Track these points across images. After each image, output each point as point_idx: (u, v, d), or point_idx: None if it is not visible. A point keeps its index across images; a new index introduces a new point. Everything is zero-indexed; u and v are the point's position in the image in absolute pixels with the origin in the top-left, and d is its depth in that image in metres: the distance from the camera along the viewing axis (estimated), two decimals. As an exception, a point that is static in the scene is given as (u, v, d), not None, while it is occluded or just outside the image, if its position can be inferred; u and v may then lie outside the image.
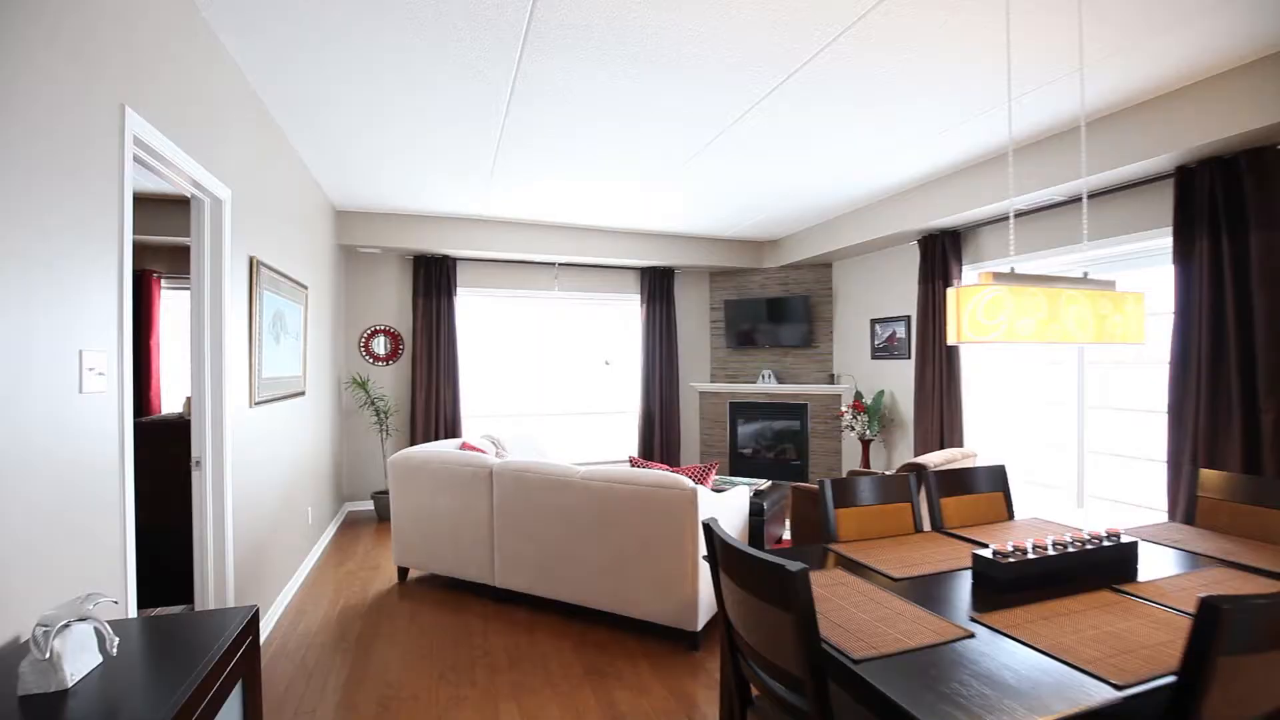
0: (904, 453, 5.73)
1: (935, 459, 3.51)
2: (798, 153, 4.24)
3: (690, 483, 3.03)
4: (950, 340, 1.81)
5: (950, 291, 1.82)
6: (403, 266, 6.15)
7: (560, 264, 6.63)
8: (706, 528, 1.65)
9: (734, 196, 5.21)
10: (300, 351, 4.09)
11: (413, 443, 5.97)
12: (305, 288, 4.19)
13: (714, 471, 3.36)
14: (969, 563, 2.00)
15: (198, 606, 2.69)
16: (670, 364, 6.94)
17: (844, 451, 6.54)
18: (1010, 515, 2.60)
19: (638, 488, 3.11)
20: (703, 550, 3.04)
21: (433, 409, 5.99)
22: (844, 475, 6.37)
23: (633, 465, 3.50)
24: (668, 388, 6.92)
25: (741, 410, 7.05)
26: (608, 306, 6.99)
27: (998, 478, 2.63)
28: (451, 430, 6.07)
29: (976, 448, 5.07)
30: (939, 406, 5.10)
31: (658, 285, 6.90)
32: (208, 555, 2.70)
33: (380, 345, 6.08)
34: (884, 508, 2.39)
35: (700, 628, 3.04)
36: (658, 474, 3.09)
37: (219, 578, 2.74)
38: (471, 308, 6.43)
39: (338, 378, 5.61)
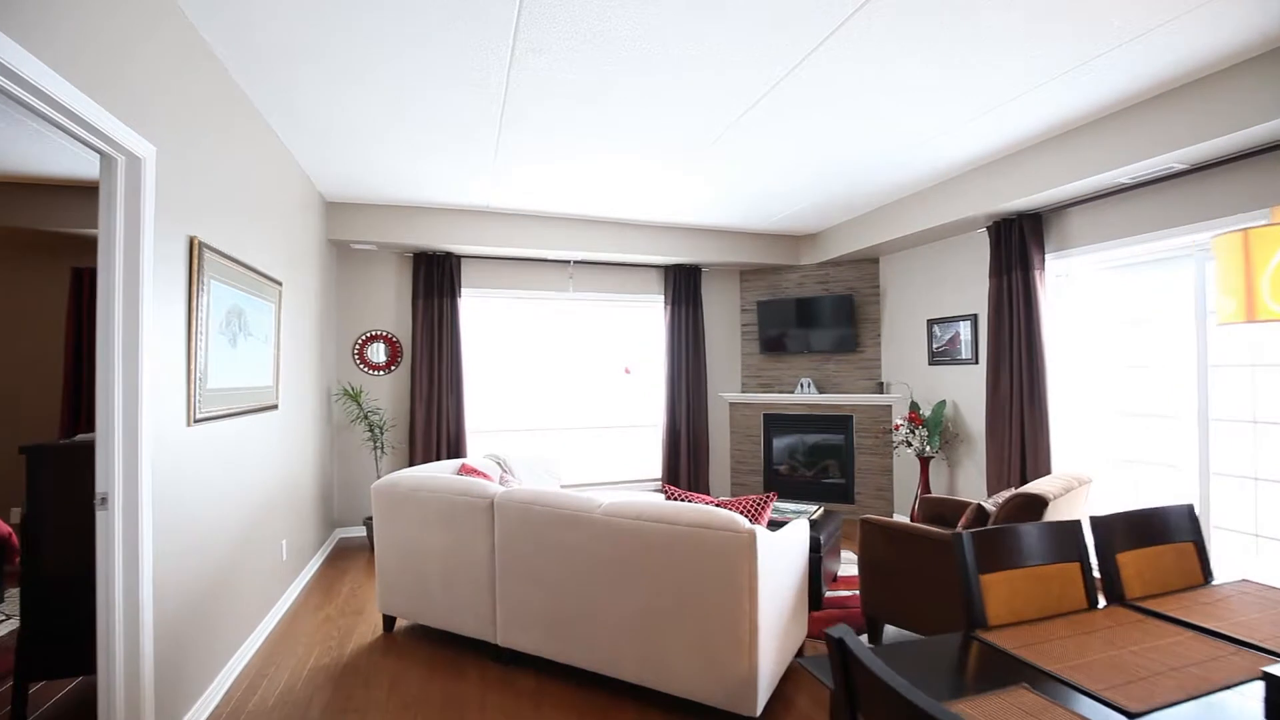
0: (971, 473, 4.98)
1: (1051, 487, 2.78)
2: (848, 123, 3.56)
3: (745, 522, 2.33)
4: (1226, 318, 1.10)
5: (1227, 240, 1.11)
6: (401, 265, 5.55)
7: (575, 261, 5.99)
8: (838, 642, 0.96)
9: (770, 180, 4.54)
10: (271, 358, 3.46)
11: (411, 461, 5.33)
12: (279, 284, 3.57)
13: (771, 506, 2.67)
14: (1234, 674, 1.28)
15: (102, 680, 2.05)
16: (698, 372, 6.25)
17: (896, 470, 5.79)
18: (1206, 576, 1.87)
19: (676, 527, 2.42)
20: (765, 613, 2.34)
21: (434, 423, 5.35)
22: (892, 497, 5.62)
23: (667, 496, 2.82)
24: (695, 399, 6.23)
25: (777, 423, 6.33)
26: (628, 309, 6.33)
27: (1186, 522, 1.90)
28: (454, 447, 5.42)
29: (1065, 468, 4.30)
30: (1018, 419, 4.35)
31: (683, 285, 6.23)
32: (115, 616, 2.06)
33: (376, 352, 5.47)
34: (1042, 570, 1.68)
35: (759, 712, 2.33)
36: (703, 510, 2.40)
37: (131, 644, 2.09)
38: (477, 311, 5.81)
39: (327, 389, 5.00)
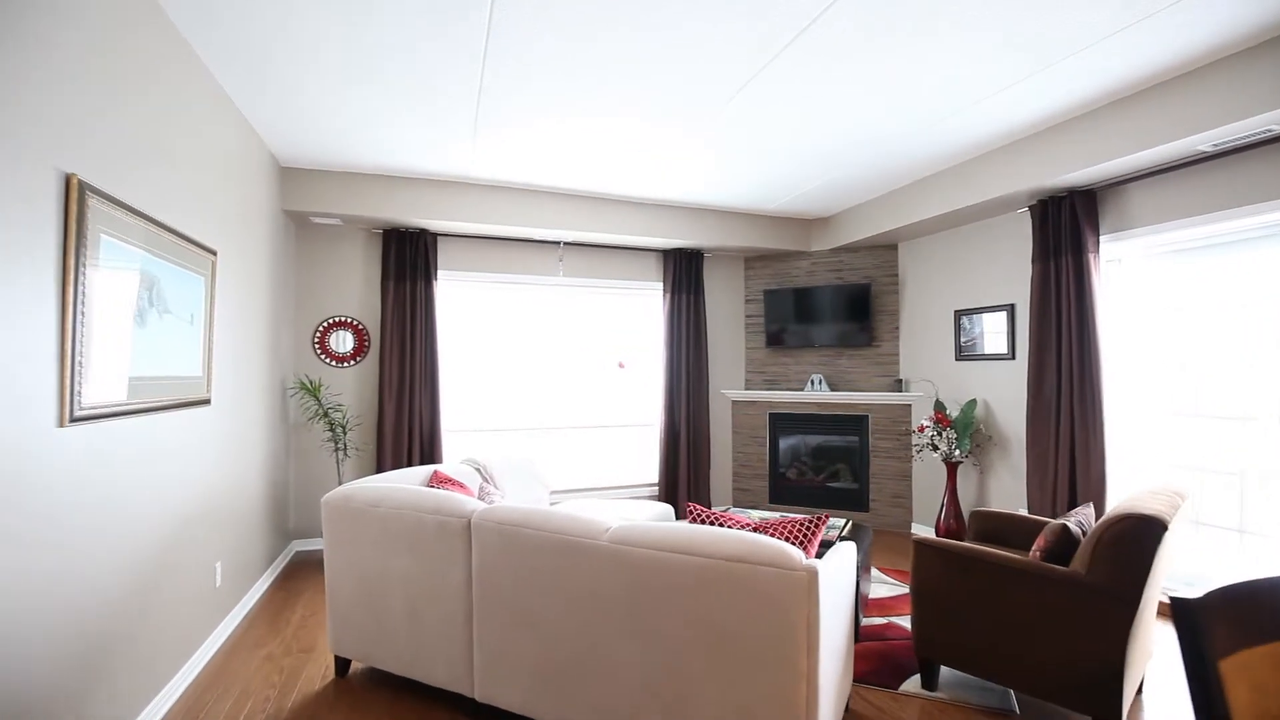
0: (1005, 480, 4.50)
1: (1157, 504, 2.27)
2: (879, 83, 3.04)
3: (799, 555, 1.79)
4: None
5: None
6: (369, 243, 4.92)
7: (566, 243, 5.41)
8: None
9: (784, 153, 4.00)
10: (199, 342, 2.84)
11: (378, 465, 4.71)
12: (212, 253, 2.95)
13: (823, 529, 2.12)
14: None
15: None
16: (699, 367, 5.71)
17: (915, 475, 5.30)
18: None
19: (710, 561, 1.86)
20: (825, 671, 1.80)
21: (405, 422, 4.74)
22: (911, 505, 5.13)
23: (690, 517, 2.25)
24: (696, 396, 5.68)
25: (784, 423, 5.81)
26: (623, 297, 5.76)
27: None
28: (428, 449, 4.81)
29: (1123, 477, 3.83)
30: (1067, 420, 3.87)
31: (684, 271, 5.68)
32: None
33: (340, 341, 4.84)
34: (1287, 648, 1.14)
35: (818, 802, 1.79)
36: (744, 540, 1.86)
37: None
38: (455, 296, 5.20)
39: (281, 381, 4.37)
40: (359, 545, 2.57)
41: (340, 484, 4.40)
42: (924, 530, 5.17)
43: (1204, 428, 3.56)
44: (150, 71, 2.35)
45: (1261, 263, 3.33)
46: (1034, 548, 2.59)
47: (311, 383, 4.49)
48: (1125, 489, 3.81)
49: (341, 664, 2.77)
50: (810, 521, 2.11)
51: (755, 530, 2.12)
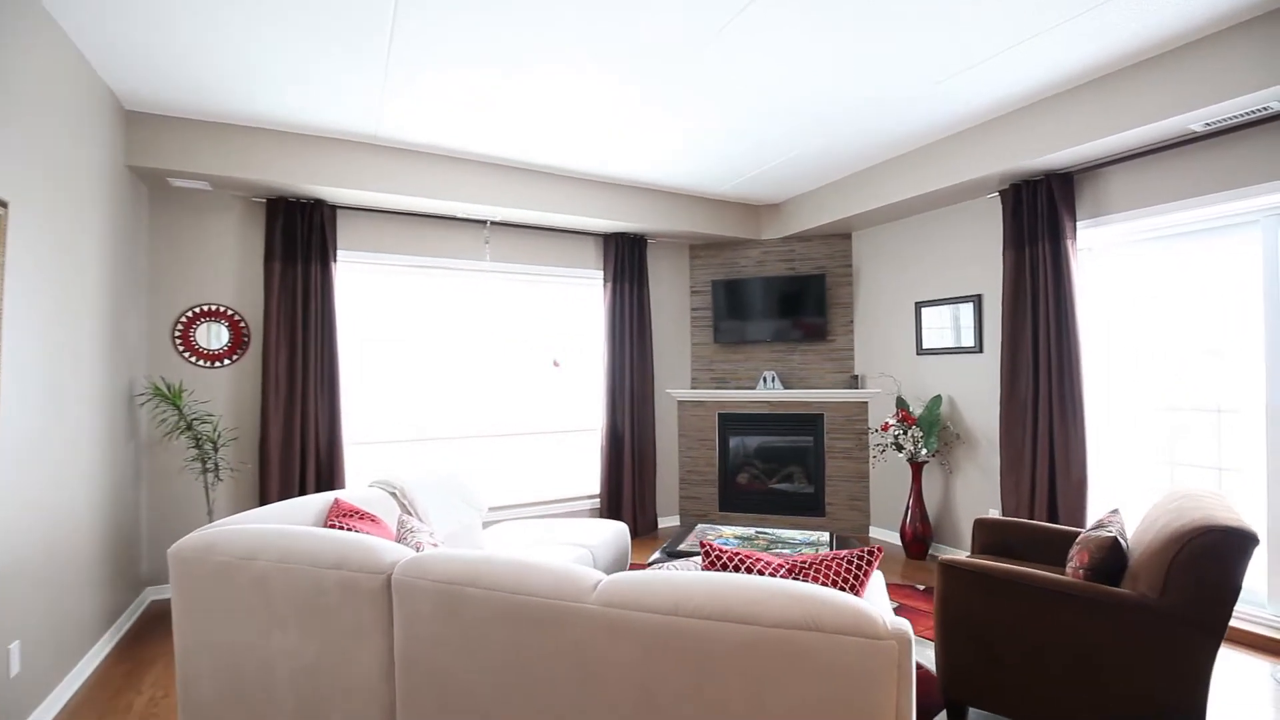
0: (974, 480, 4.27)
1: (1219, 511, 1.96)
2: (846, 54, 2.64)
3: (883, 616, 1.28)
4: None
5: None
6: (249, 215, 4.00)
7: (493, 222, 4.70)
8: None
9: (745, 123, 3.54)
10: (-25, 330, 1.96)
11: (262, 487, 3.81)
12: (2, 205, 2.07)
13: (877, 563, 1.63)
14: None
15: None
16: (643, 365, 5.17)
17: (874, 477, 5.03)
18: None
19: (757, 630, 1.32)
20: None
21: (296, 434, 3.87)
22: (868, 508, 4.85)
23: (707, 560, 1.69)
24: (640, 397, 5.14)
25: (735, 425, 5.39)
26: (559, 286, 5.12)
27: None
28: (327, 468, 3.97)
29: (1103, 476, 3.66)
30: (1045, 417, 3.66)
31: (626, 258, 5.12)
32: None
33: (210, 335, 3.89)
34: None
35: None
36: (800, 596, 1.32)
37: None
38: (360, 282, 4.37)
39: (127, 385, 3.40)
40: (226, 616, 1.82)
41: (211, 515, 3.50)
42: (884, 534, 4.90)
43: (1185, 421, 3.43)
44: None
45: (1236, 251, 3.22)
46: (1072, 564, 2.25)
47: (170, 387, 3.54)
48: (1109, 489, 3.65)
49: (201, 779, 1.99)
50: (857, 558, 1.61)
51: (794, 574, 1.60)
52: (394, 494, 2.78)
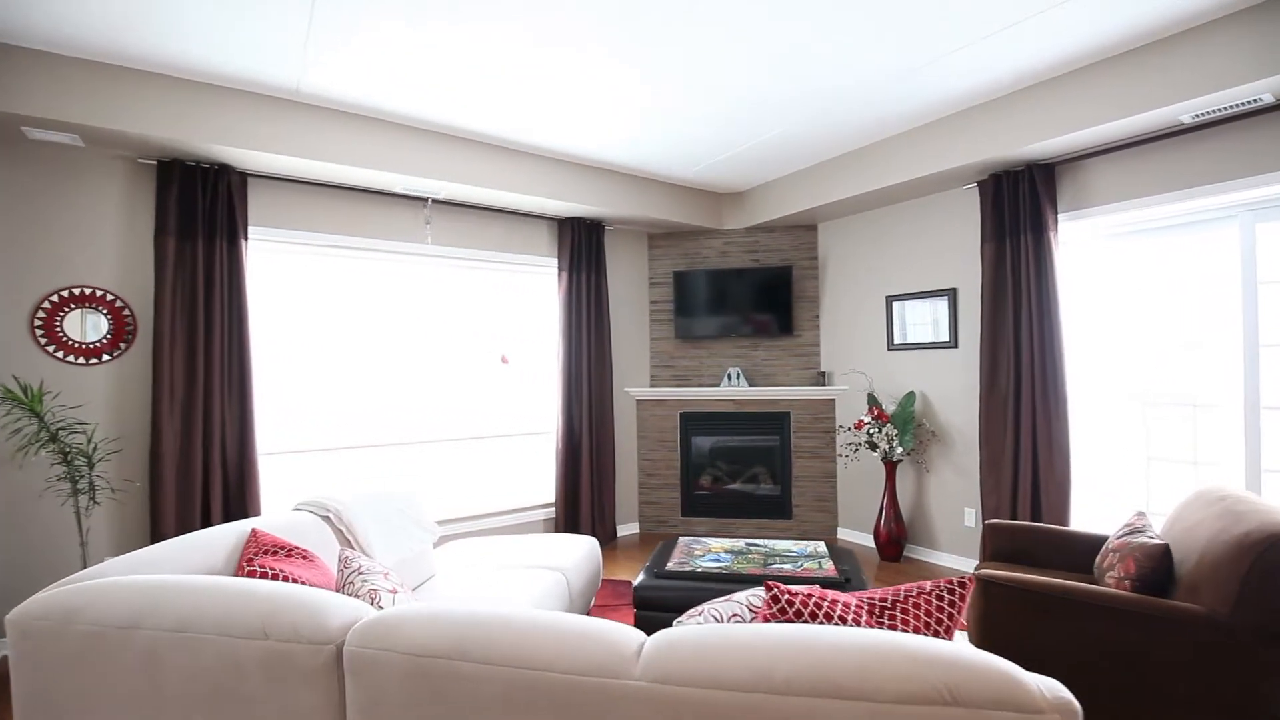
0: (949, 478, 4.15)
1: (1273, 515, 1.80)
2: (832, 34, 2.41)
3: (1032, 681, 0.97)
4: None
5: None
6: (135, 179, 3.30)
7: (435, 200, 4.17)
8: None
9: (717, 97, 3.22)
10: None
11: (154, 513, 3.15)
12: None
13: (969, 594, 1.33)
14: None
15: None
16: (601, 361, 4.78)
17: (842, 478, 4.86)
18: None
19: (868, 709, 0.97)
20: None
21: (198, 445, 3.22)
22: (836, 509, 4.68)
23: (769, 609, 1.32)
24: (599, 396, 4.75)
25: (698, 424, 5.09)
26: (509, 274, 4.64)
27: None
28: (237, 486, 3.34)
29: (1083, 472, 3.60)
30: (1028, 414, 3.56)
31: (583, 246, 4.71)
32: None
33: (83, 325, 3.18)
34: None
35: None
36: (925, 658, 0.99)
37: None
38: (277, 265, 3.74)
39: (-36, 389, 2.68)
40: (94, 712, 1.30)
41: (84, 550, 2.82)
42: (854, 536, 4.74)
43: (1162, 415, 3.40)
44: None
45: (1214, 245, 3.21)
46: (1113, 574, 2.06)
47: (27, 389, 2.83)
48: (1088, 485, 3.58)
49: None
50: (947, 591, 1.31)
51: (874, 615, 1.27)
52: (328, 517, 2.26)
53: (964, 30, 2.76)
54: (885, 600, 1.33)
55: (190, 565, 1.63)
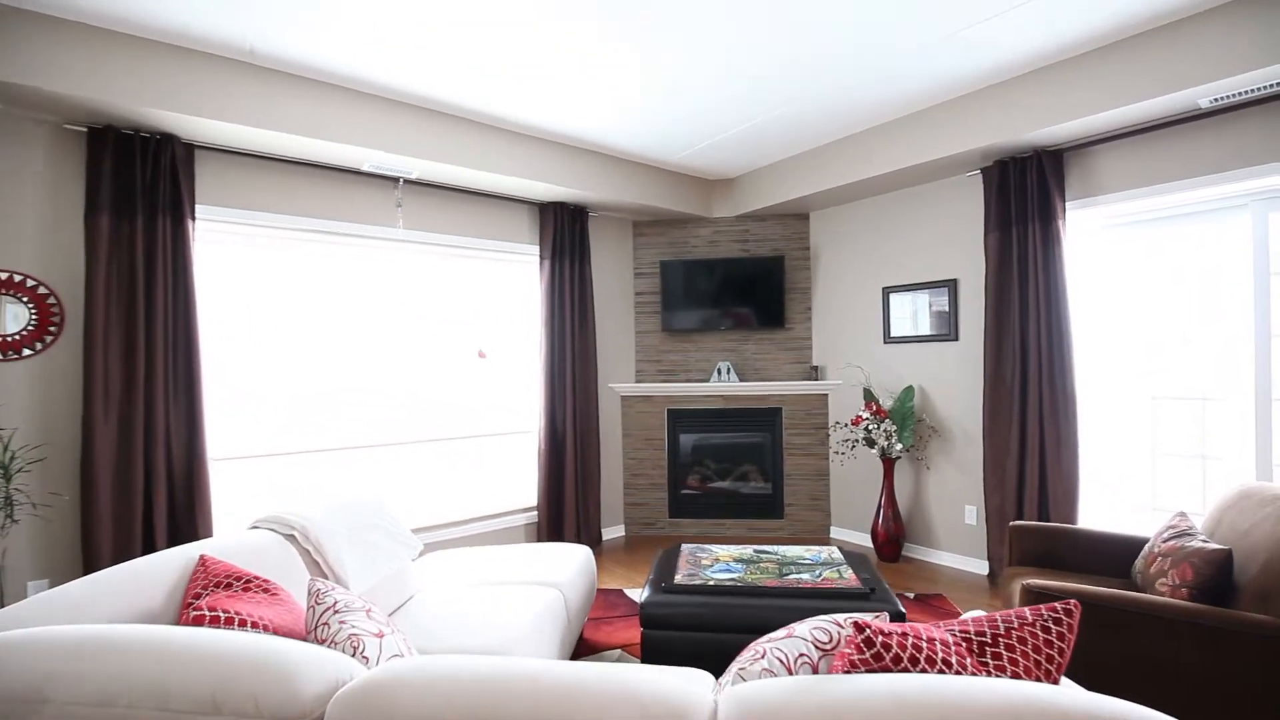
0: (949, 475, 4.03)
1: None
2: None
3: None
4: None
5: None
6: (61, 148, 2.89)
7: (408, 181, 3.84)
8: None
9: (710, 76, 2.99)
10: None
11: (87, 532, 2.76)
12: None
13: (1074, 628, 1.14)
14: None
15: None
16: (586, 356, 4.52)
17: (835, 475, 4.70)
18: None
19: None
20: None
21: (138, 451, 2.85)
22: (829, 508, 4.54)
23: (875, 653, 1.10)
24: (583, 393, 4.49)
25: (686, 421, 4.87)
26: (488, 263, 4.33)
27: None
28: (185, 496, 2.98)
29: (1089, 468, 3.50)
30: (1035, 408, 3.44)
31: (566, 232, 4.43)
32: None
33: (0, 315, 2.77)
34: None
35: None
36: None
37: None
38: (230, 249, 3.36)
39: None
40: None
41: (0, 577, 2.44)
42: (848, 535, 4.59)
43: (1168, 409, 3.32)
44: None
45: (1224, 235, 3.12)
46: (1166, 581, 1.90)
47: (-72, 390, 2.43)
48: (1095, 483, 3.48)
49: None
50: (1053, 622, 1.10)
51: (975, 653, 1.06)
52: (292, 536, 1.96)
53: (979, 5, 2.58)
54: (983, 634, 1.11)
55: (120, 609, 1.32)
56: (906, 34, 2.82)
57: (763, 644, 1.23)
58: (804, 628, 1.24)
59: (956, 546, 3.96)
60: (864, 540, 4.43)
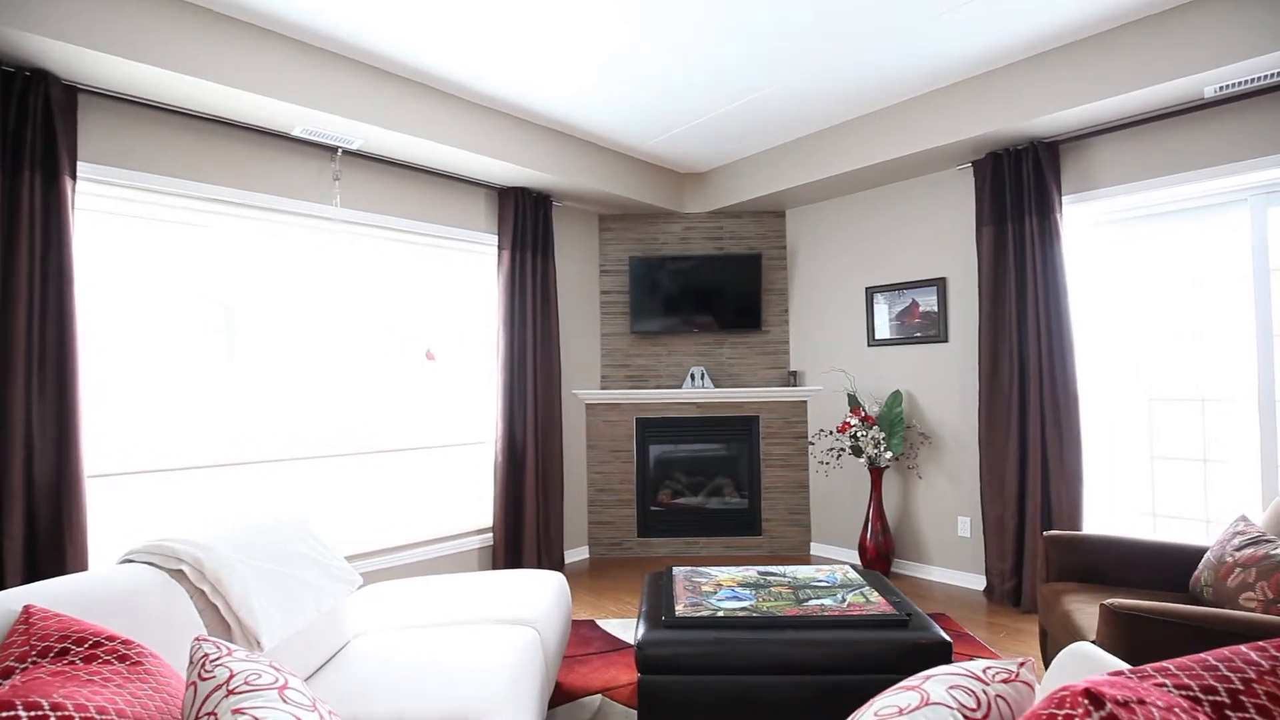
0: (939, 484, 3.79)
1: None
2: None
3: None
4: None
5: None
6: (-110, 81, 2.27)
7: (347, 151, 3.34)
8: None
9: (690, 49, 2.70)
10: None
11: (-100, 565, 2.12)
12: None
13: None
14: None
15: None
16: (549, 359, 4.08)
17: (815, 488, 4.41)
18: None
19: None
20: None
21: (-16, 463, 2.23)
22: (809, 524, 4.25)
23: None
24: (546, 401, 4.04)
25: (656, 431, 4.49)
26: (439, 251, 3.85)
27: None
28: (52, 519, 2.35)
29: (1096, 476, 3.31)
30: (1035, 412, 3.25)
31: (527, 221, 4.00)
32: None
33: None
34: None
35: None
36: None
37: None
38: (122, 216, 2.77)
39: None
40: None
41: None
42: (831, 551, 4.29)
43: (1167, 411, 3.18)
44: None
45: (1228, 230, 3.03)
46: (1252, 595, 1.65)
47: None
48: (1093, 488, 3.30)
49: None
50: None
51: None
52: (180, 572, 1.44)
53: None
54: (1216, 692, 0.77)
55: None
56: (893, 12, 2.59)
57: (887, 713, 0.84)
58: (937, 688, 0.87)
59: (949, 561, 3.72)
60: (849, 557, 4.15)
